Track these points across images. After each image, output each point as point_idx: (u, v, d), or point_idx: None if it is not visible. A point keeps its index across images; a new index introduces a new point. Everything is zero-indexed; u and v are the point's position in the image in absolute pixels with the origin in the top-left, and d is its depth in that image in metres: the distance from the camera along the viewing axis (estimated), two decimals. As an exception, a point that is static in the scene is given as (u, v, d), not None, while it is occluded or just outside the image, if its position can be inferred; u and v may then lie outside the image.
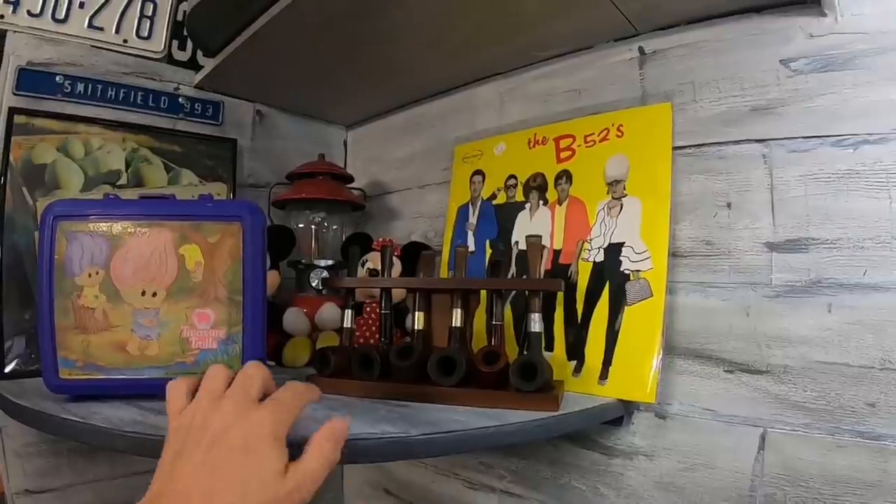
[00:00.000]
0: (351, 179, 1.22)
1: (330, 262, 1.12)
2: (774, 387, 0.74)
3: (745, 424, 0.75)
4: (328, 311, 1.00)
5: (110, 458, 1.03)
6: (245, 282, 0.75)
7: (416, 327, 0.82)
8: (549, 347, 0.88)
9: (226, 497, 0.45)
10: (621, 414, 0.83)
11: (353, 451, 0.58)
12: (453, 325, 0.79)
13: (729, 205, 0.80)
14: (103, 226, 0.73)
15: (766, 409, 0.74)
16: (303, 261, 1.13)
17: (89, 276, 0.72)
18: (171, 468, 0.48)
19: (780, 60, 0.76)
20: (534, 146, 0.99)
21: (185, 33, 1.12)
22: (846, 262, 0.70)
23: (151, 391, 0.72)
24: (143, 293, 0.73)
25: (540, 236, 0.79)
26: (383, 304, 0.85)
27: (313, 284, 1.09)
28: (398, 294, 0.95)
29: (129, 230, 0.73)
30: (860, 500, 0.66)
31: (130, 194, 1.02)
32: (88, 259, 0.72)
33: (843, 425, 0.68)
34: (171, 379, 0.71)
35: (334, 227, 1.21)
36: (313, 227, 1.16)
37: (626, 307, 0.83)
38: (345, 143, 1.45)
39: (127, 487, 1.03)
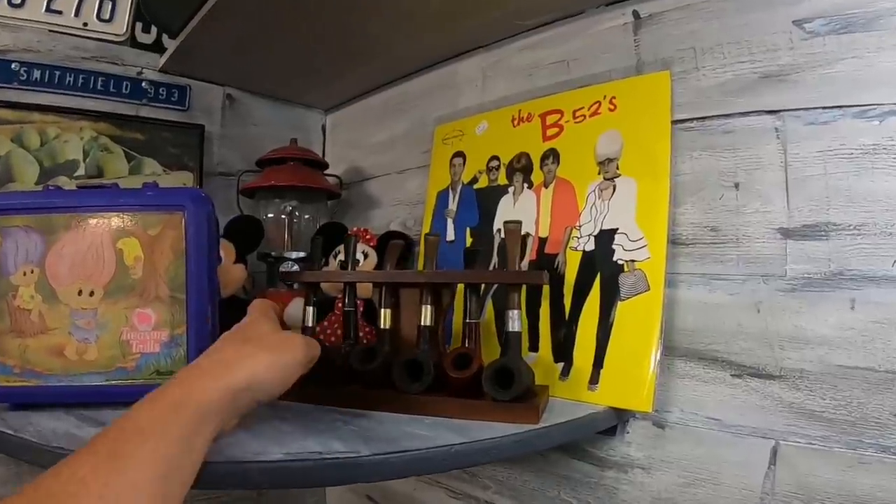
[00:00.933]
0: (325, 166, 1.15)
1: (302, 255, 1.06)
2: (788, 394, 0.66)
3: (755, 436, 0.68)
4: (296, 307, 0.93)
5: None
6: (189, 278, 0.69)
7: (382, 326, 0.74)
8: (534, 347, 0.81)
9: (233, 342, 0.56)
10: (614, 423, 0.76)
11: (290, 474, 0.53)
12: (422, 323, 0.71)
13: (737, 185, 0.72)
14: (39, 219, 0.68)
15: (778, 418, 0.66)
16: (273, 253, 1.07)
17: (24, 274, 0.67)
18: (189, 366, 0.55)
19: (794, 21, 0.68)
20: (518, 124, 0.90)
21: (143, 12, 1.07)
22: (871, 252, 0.62)
23: (91, 399, 0.68)
24: (80, 292, 0.68)
25: (519, 222, 0.70)
26: (346, 300, 0.77)
27: (282, 282, 1.02)
28: (368, 289, 0.87)
29: (64, 224, 0.68)
30: None
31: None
32: (23, 256, 0.67)
33: (865, 439, 0.61)
34: (111, 386, 0.68)
35: (307, 216, 1.15)
36: (284, 217, 1.09)
37: (619, 302, 0.75)
38: (323, 129, 1.39)
39: None
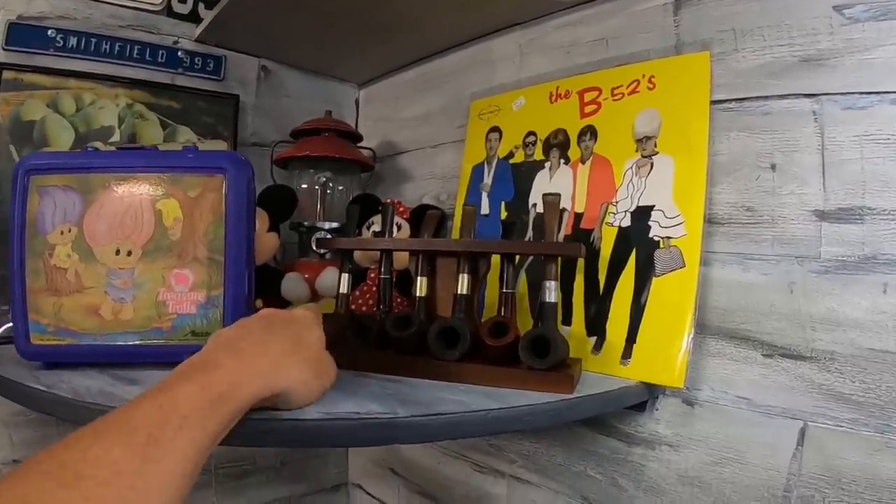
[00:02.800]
0: (360, 138, 1.15)
1: (335, 225, 1.05)
2: (818, 375, 0.65)
3: (784, 416, 0.67)
4: (329, 276, 0.93)
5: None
6: (227, 240, 0.69)
7: (418, 294, 0.74)
8: (567, 321, 0.80)
9: (281, 340, 0.52)
10: (645, 399, 0.75)
11: (326, 433, 0.53)
12: (459, 292, 0.71)
13: (773, 167, 0.70)
14: (77, 179, 0.68)
15: (807, 400, 0.66)
16: (305, 223, 1.06)
17: (61, 233, 0.67)
18: (226, 335, 0.52)
19: (834, 7, 0.67)
20: (556, 100, 0.89)
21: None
22: None
23: (125, 359, 0.69)
24: (118, 252, 0.68)
25: (559, 194, 0.70)
26: (382, 269, 0.77)
27: (315, 248, 1.02)
28: (403, 259, 0.87)
29: (103, 184, 0.68)
30: None
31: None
32: (61, 215, 0.68)
33: (894, 423, 0.60)
34: (145, 346, 0.68)
35: (340, 188, 1.14)
36: (317, 187, 1.09)
37: (654, 278, 0.74)
38: (356, 103, 1.38)
39: None
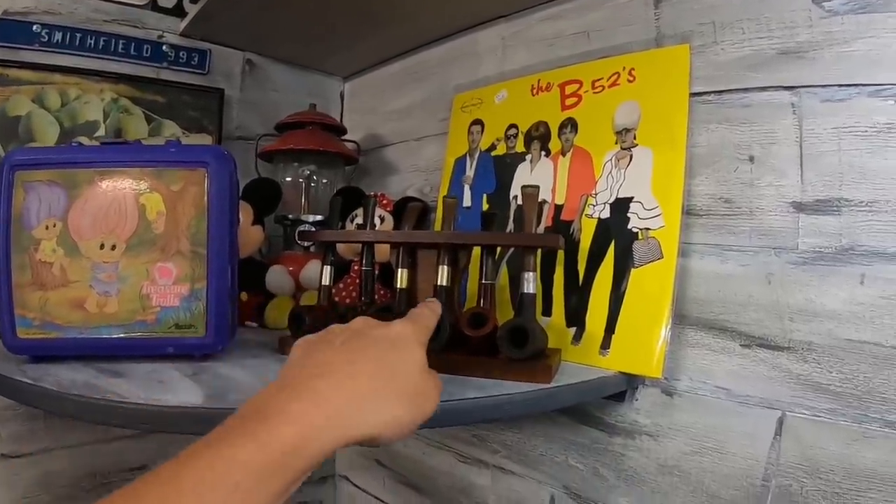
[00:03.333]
0: (344, 131, 1.15)
1: (319, 218, 1.06)
2: (796, 366, 0.66)
3: (762, 406, 0.68)
4: (313, 269, 0.94)
5: (88, 424, 0.99)
6: (210, 233, 0.70)
7: (398, 286, 0.74)
8: (547, 312, 0.81)
9: (369, 370, 0.43)
10: (624, 388, 0.76)
11: None
12: (439, 283, 0.72)
13: (752, 158, 0.71)
14: (62, 174, 0.68)
15: (785, 390, 0.67)
16: (290, 216, 1.07)
17: (46, 228, 0.68)
18: (303, 361, 0.44)
19: (813, 0, 0.67)
20: (537, 93, 0.90)
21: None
22: (883, 228, 0.62)
23: (110, 351, 0.69)
24: (102, 246, 0.69)
25: (537, 186, 0.70)
26: (364, 261, 0.78)
27: (300, 241, 1.02)
28: (385, 252, 0.88)
29: (88, 179, 0.69)
30: (885, 498, 0.59)
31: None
32: (46, 210, 0.68)
33: (871, 413, 0.61)
34: (130, 339, 0.69)
35: (325, 181, 1.15)
36: (302, 181, 1.10)
37: (632, 269, 0.76)
38: (341, 96, 1.39)
39: (106, 453, 1.01)
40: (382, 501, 1.20)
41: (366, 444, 0.41)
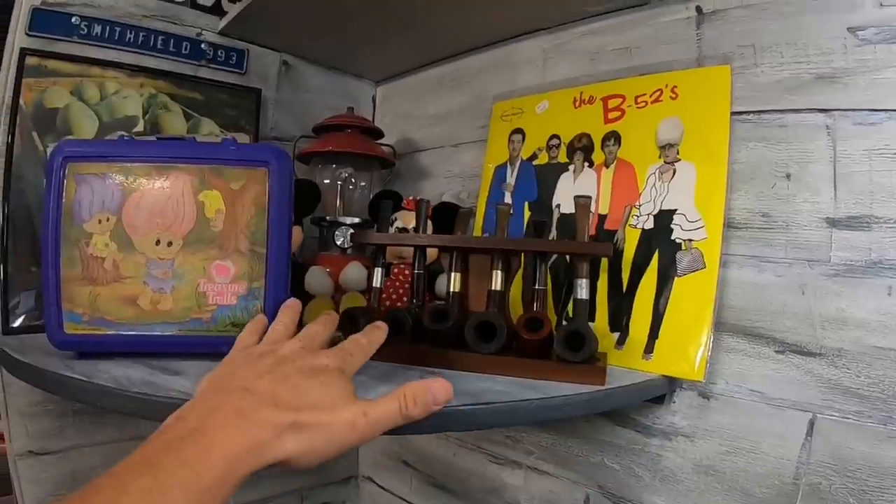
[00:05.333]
0: (381, 134, 1.16)
1: (356, 220, 1.06)
2: (827, 371, 0.69)
3: (794, 409, 0.71)
4: (353, 270, 0.94)
5: (118, 420, 0.99)
6: (269, 232, 0.70)
7: (451, 289, 0.76)
8: (591, 317, 0.83)
9: (288, 398, 0.45)
10: (666, 391, 0.79)
11: None
12: (493, 288, 0.74)
13: (788, 176, 0.75)
14: (116, 168, 0.68)
15: (816, 393, 0.70)
16: (327, 218, 1.07)
17: (99, 222, 0.67)
18: (228, 375, 0.48)
19: (848, 28, 0.71)
20: (579, 105, 0.93)
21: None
22: None
23: (163, 349, 0.69)
24: (158, 242, 0.68)
25: (589, 196, 0.73)
26: (417, 264, 0.79)
27: (338, 243, 1.03)
28: (431, 256, 0.89)
29: (144, 174, 0.68)
30: None
31: (147, 142, 0.96)
32: (99, 204, 0.67)
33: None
34: (184, 337, 0.69)
35: (361, 183, 1.15)
36: (339, 183, 1.10)
37: (675, 278, 0.78)
38: (373, 99, 1.40)
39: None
40: (408, 502, 1.21)
41: (280, 467, 0.43)
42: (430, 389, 0.49)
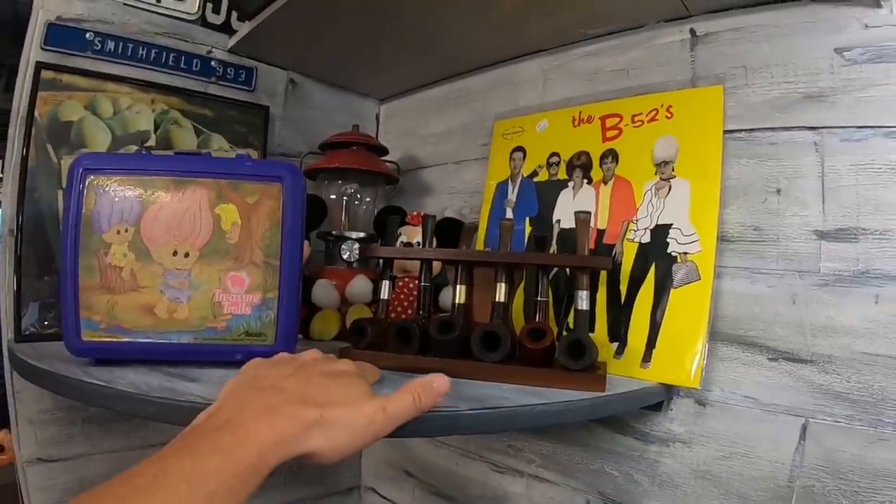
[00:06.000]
0: (385, 151, 1.19)
1: (361, 235, 1.09)
2: (818, 377, 0.73)
3: (787, 414, 0.74)
4: (359, 283, 0.97)
5: (126, 428, 1.00)
6: (283, 245, 0.73)
7: (457, 301, 0.79)
8: (591, 328, 0.86)
9: (315, 397, 0.47)
10: (663, 398, 0.82)
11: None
12: (497, 300, 0.77)
13: (779, 191, 0.78)
14: (135, 181, 0.70)
15: (808, 398, 0.73)
16: (333, 232, 1.10)
17: (118, 233, 0.69)
18: (254, 378, 0.50)
19: (835, 49, 0.75)
20: (578, 124, 0.96)
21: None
22: (895, 254, 0.69)
23: (179, 357, 0.71)
24: (175, 253, 0.71)
25: (589, 212, 0.77)
26: (423, 277, 0.82)
27: (344, 256, 1.06)
28: (433, 269, 0.92)
29: (162, 187, 0.71)
30: None
31: (160, 156, 0.98)
32: (118, 216, 0.70)
33: (885, 418, 0.67)
34: (199, 345, 0.71)
35: (367, 199, 1.18)
36: (345, 198, 1.13)
37: (671, 290, 0.81)
38: (377, 117, 1.43)
39: (143, 459, 0.99)
40: (410, 512, 1.23)
41: (305, 461, 0.46)
42: (434, 382, 0.54)
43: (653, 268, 0.84)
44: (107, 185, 0.70)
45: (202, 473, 0.38)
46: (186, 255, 0.71)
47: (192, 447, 0.40)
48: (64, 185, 0.85)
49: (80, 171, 0.69)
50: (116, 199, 0.70)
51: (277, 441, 0.43)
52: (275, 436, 0.43)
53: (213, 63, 1.10)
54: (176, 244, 0.71)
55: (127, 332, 0.69)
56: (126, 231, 0.70)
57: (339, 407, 0.47)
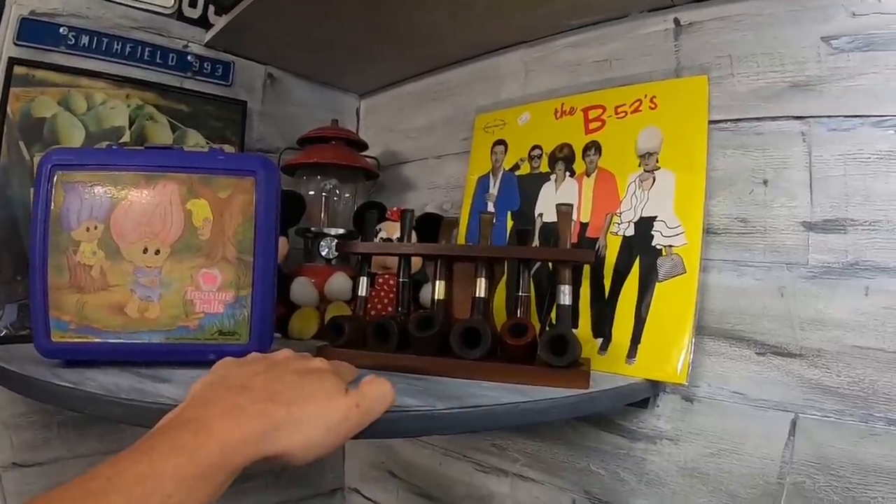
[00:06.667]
0: (365, 146, 1.17)
1: (341, 231, 1.07)
2: (807, 371, 0.71)
3: (776, 409, 0.73)
4: (338, 281, 0.95)
5: (102, 432, 0.98)
6: (256, 241, 0.71)
7: (436, 297, 0.77)
8: (574, 324, 0.84)
9: (286, 395, 0.45)
10: (650, 395, 0.80)
11: (374, 425, 0.53)
12: (477, 295, 0.75)
13: (765, 182, 0.77)
14: (105, 176, 0.68)
15: (797, 393, 0.72)
16: (312, 229, 1.08)
17: (87, 230, 0.68)
18: (224, 377, 0.48)
19: (822, 37, 0.74)
20: (561, 116, 0.95)
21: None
22: (884, 245, 0.68)
23: (150, 357, 0.69)
24: (145, 250, 0.69)
25: (571, 205, 0.75)
26: (402, 273, 0.80)
27: (323, 253, 1.04)
28: (415, 265, 0.90)
29: (132, 182, 0.69)
30: (891, 491, 0.64)
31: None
32: (87, 212, 0.68)
33: (876, 413, 0.66)
34: (171, 345, 0.69)
35: (346, 195, 1.16)
36: (324, 194, 1.11)
37: (656, 283, 0.80)
38: (357, 112, 1.41)
39: None
40: (395, 513, 1.21)
41: (276, 462, 0.44)
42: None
43: (637, 261, 0.82)
44: (75, 181, 0.68)
45: (158, 475, 0.36)
46: (157, 252, 0.69)
47: (152, 448, 0.38)
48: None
49: (49, 167, 0.67)
50: (85, 195, 0.68)
51: (244, 441, 0.41)
52: (241, 435, 0.41)
53: (189, 57, 1.08)
54: (146, 241, 0.69)
55: (97, 333, 0.68)
56: (95, 228, 0.68)
57: (311, 404, 0.45)
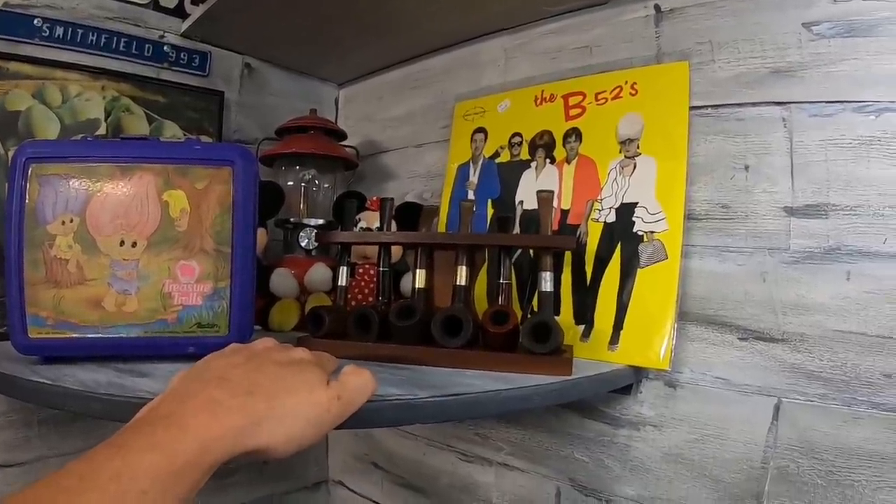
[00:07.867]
0: (344, 136, 1.16)
1: (320, 222, 1.06)
2: (790, 356, 0.72)
3: (759, 394, 0.73)
4: (318, 271, 0.94)
5: (83, 430, 0.97)
6: (235, 232, 0.70)
7: (417, 286, 0.77)
8: (556, 311, 0.84)
9: (266, 387, 0.44)
10: (633, 381, 0.80)
11: (356, 415, 0.53)
12: (458, 283, 0.75)
13: (747, 167, 0.77)
14: (80, 169, 0.67)
15: (780, 378, 0.72)
16: (291, 220, 1.07)
17: (63, 223, 0.66)
18: (202, 370, 0.47)
19: (803, 24, 0.74)
20: (541, 104, 0.94)
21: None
22: (865, 230, 0.68)
23: (129, 351, 0.68)
24: (122, 243, 0.67)
25: (552, 191, 0.74)
26: (382, 262, 0.80)
27: (302, 245, 1.03)
28: (395, 254, 0.90)
29: (107, 174, 0.67)
30: (874, 474, 0.65)
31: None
32: (62, 205, 0.66)
33: (859, 396, 0.67)
34: (150, 338, 0.68)
35: (325, 185, 1.15)
36: (303, 184, 1.10)
37: (638, 269, 0.80)
38: (336, 102, 1.40)
39: None
40: (379, 504, 1.21)
41: (256, 456, 0.42)
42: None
43: (619, 248, 0.82)
44: (50, 174, 0.66)
45: (133, 471, 0.35)
46: (134, 244, 0.68)
47: (127, 443, 0.37)
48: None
49: (23, 160, 0.66)
50: (61, 188, 0.66)
51: (221, 435, 0.40)
52: (219, 430, 0.40)
53: (165, 48, 1.06)
54: (123, 233, 0.68)
55: (75, 328, 0.66)
56: (71, 221, 0.67)
57: (293, 397, 0.45)
